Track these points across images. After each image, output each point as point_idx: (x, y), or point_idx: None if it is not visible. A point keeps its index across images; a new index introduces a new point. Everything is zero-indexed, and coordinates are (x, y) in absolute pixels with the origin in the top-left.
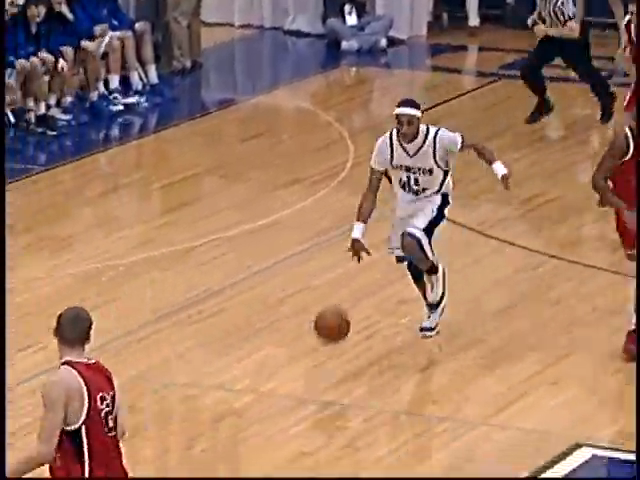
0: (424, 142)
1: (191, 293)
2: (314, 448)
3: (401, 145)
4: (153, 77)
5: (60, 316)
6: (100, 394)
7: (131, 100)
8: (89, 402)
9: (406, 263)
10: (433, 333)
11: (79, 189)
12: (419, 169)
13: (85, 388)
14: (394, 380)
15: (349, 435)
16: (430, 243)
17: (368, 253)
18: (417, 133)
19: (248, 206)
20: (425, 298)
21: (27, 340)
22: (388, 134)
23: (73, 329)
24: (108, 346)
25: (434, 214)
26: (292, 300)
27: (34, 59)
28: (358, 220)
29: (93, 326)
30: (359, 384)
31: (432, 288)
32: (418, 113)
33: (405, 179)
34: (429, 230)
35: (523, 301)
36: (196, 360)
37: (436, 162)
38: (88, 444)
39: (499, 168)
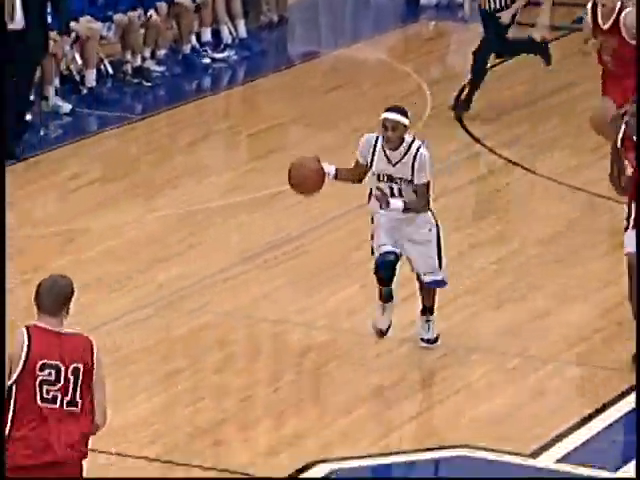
0: (406, 152)
1: (276, 236)
2: (390, 383)
3: (384, 152)
4: (242, 31)
5: (39, 284)
6: (43, 361)
7: (221, 53)
8: (24, 365)
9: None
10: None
11: (172, 137)
12: (400, 179)
13: (25, 351)
14: (468, 318)
15: (424, 371)
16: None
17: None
18: (402, 142)
19: (331, 154)
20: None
21: (116, 283)
22: (374, 136)
23: (47, 298)
24: (196, 286)
25: (435, 248)
26: (368, 245)
27: (131, 13)
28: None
29: (74, 296)
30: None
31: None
32: (404, 120)
33: (388, 192)
34: (439, 259)
35: (592, 245)
36: (281, 299)
37: (413, 174)
38: (14, 405)
39: (397, 202)
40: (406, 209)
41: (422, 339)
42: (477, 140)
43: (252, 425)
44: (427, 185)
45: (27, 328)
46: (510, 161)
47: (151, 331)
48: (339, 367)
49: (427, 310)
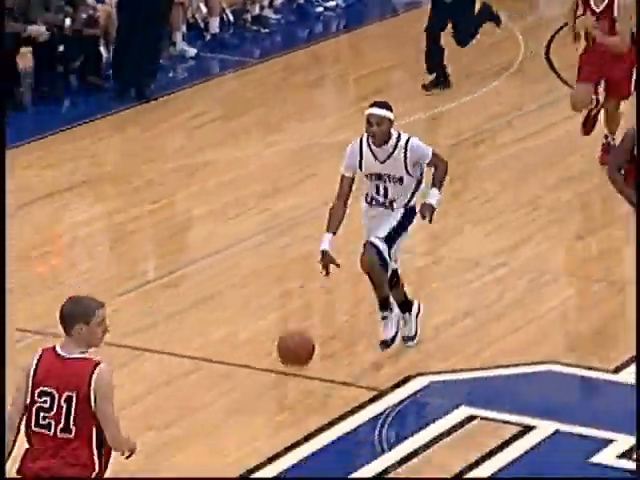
0: (395, 148)
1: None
2: (483, 305)
3: (371, 150)
4: None
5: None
6: (41, 388)
7: (331, 2)
8: (31, 391)
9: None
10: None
11: (286, 79)
12: (389, 177)
13: (31, 378)
14: (554, 246)
15: (515, 294)
16: (390, 254)
17: (337, 265)
18: (388, 137)
19: (433, 95)
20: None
21: (235, 211)
22: (358, 139)
23: (61, 315)
24: (308, 215)
25: (395, 224)
26: (464, 176)
27: None
28: (327, 231)
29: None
30: (524, 250)
31: (405, 323)
32: (389, 114)
33: (374, 190)
34: (390, 239)
35: None
36: None
37: (407, 170)
38: (25, 429)
39: (434, 196)
40: (440, 189)
41: (404, 337)
42: (566, 83)
43: (357, 341)
44: (435, 155)
45: (43, 351)
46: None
47: (265, 256)
48: (437, 290)
49: (403, 307)
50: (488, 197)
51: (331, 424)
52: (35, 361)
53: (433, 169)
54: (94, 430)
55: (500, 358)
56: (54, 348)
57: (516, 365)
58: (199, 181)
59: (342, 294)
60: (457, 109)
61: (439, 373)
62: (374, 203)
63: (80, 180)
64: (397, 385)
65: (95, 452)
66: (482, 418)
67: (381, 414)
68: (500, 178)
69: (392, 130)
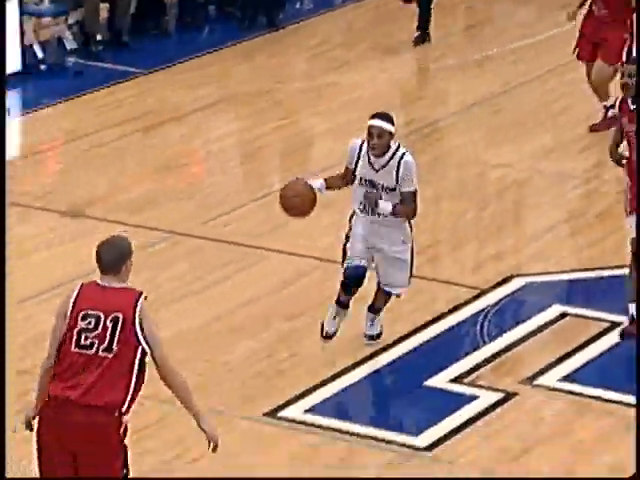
0: (391, 159)
1: (486, 90)
2: (576, 214)
3: (369, 158)
4: None
5: (99, 244)
6: (85, 312)
7: None
8: (70, 319)
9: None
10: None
11: (403, 9)
12: (382, 187)
13: (72, 305)
14: None
15: (606, 205)
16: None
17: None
18: (387, 149)
19: (530, 25)
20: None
21: (349, 128)
22: (359, 141)
23: (102, 257)
24: (419, 133)
25: (406, 265)
26: (559, 103)
27: None
28: (323, 178)
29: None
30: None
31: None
32: (390, 127)
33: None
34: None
35: None
36: (488, 143)
37: (398, 181)
38: (58, 358)
39: (388, 206)
40: (393, 214)
41: (366, 335)
42: None
43: (460, 245)
44: (414, 193)
45: (82, 285)
46: None
47: None
48: (535, 201)
49: (375, 310)
50: (581, 118)
51: (437, 319)
52: (75, 293)
53: (402, 201)
54: (135, 358)
55: (591, 262)
56: (95, 282)
57: (606, 268)
58: (323, 102)
59: (448, 203)
60: (550, 40)
61: (535, 275)
62: (368, 212)
63: (214, 101)
64: (497, 285)
65: (133, 380)
66: (573, 315)
67: (482, 311)
68: (592, 101)
69: (391, 143)
